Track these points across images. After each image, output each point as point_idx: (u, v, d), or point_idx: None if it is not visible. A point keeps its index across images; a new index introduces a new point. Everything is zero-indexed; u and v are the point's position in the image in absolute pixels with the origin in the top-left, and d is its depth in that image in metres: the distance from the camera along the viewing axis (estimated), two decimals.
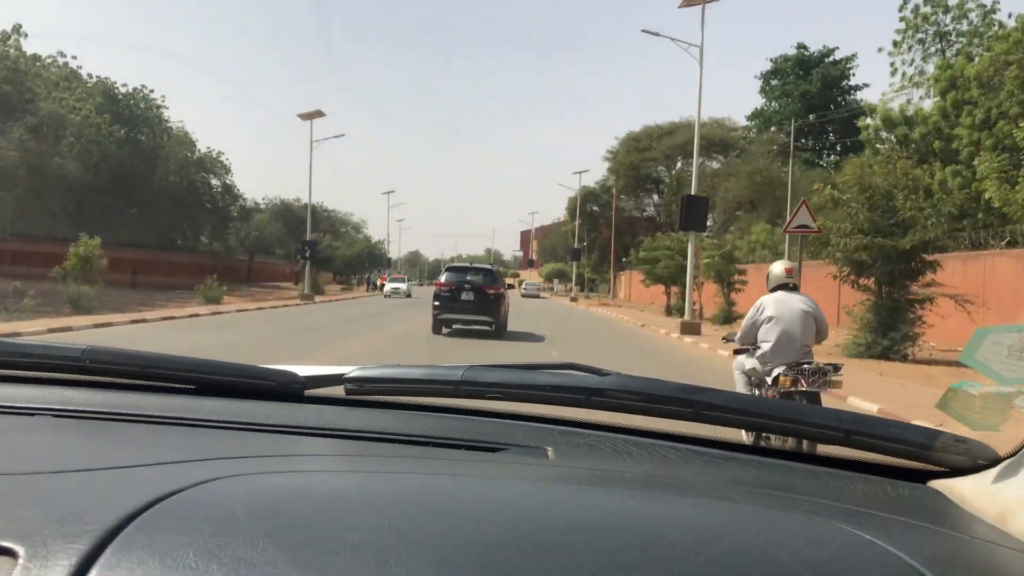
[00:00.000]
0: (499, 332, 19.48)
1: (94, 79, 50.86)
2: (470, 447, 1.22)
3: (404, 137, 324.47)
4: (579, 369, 1.36)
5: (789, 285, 6.50)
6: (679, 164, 69.50)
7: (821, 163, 57.56)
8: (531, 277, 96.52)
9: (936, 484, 1.17)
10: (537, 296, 65.45)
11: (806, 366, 5.89)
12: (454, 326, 19.51)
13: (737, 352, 6.82)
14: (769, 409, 1.29)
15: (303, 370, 1.43)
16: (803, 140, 57.26)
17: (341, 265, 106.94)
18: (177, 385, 1.43)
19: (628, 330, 28.16)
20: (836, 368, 5.94)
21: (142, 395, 1.38)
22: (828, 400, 6.75)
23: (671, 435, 1.31)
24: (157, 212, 53.09)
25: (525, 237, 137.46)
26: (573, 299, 56.14)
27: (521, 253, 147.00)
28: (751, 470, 1.19)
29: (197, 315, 24.78)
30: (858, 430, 1.17)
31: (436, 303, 19.10)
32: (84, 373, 1.40)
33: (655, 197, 72.67)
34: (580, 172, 64.16)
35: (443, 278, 19.67)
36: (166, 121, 56.39)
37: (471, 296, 18.99)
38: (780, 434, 1.30)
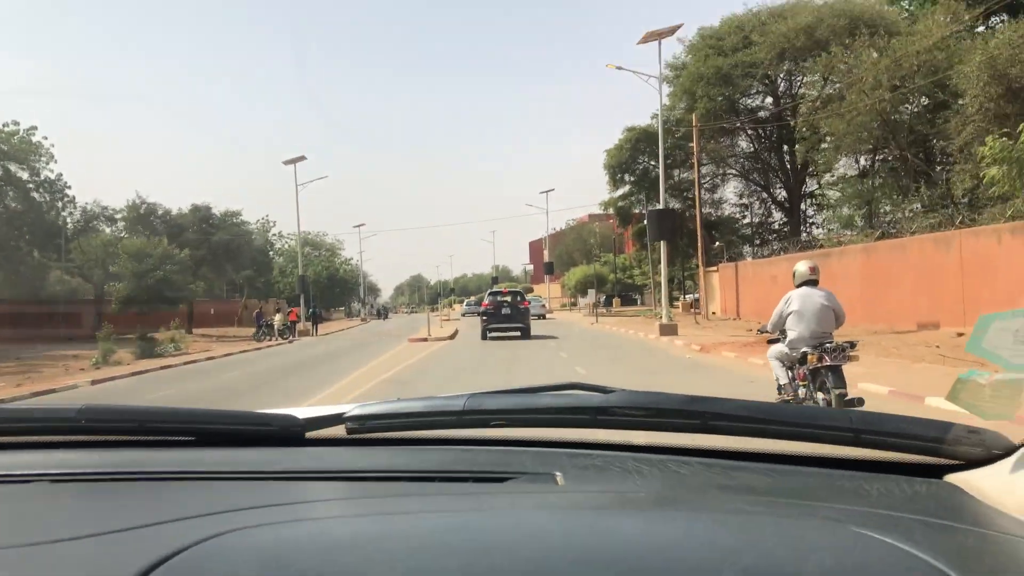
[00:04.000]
0: (526, 335, 26.24)
1: None
2: (477, 479, 1.18)
3: (383, 160, 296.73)
4: (582, 388, 1.33)
5: (812, 281, 7.63)
6: (796, 68, 40.69)
7: None
8: (551, 292, 68.47)
9: (952, 478, 1.14)
10: (542, 316, 47.39)
11: (828, 345, 7.15)
12: (492, 334, 26.38)
13: (770, 342, 8.08)
14: (777, 415, 1.24)
15: (303, 412, 1.38)
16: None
17: (293, 294, 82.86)
18: (176, 438, 1.39)
19: None
20: (852, 345, 7.20)
21: (141, 451, 1.35)
22: None
23: (681, 449, 1.28)
24: None
25: (535, 248, 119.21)
26: (666, 326, 25.67)
27: (531, 266, 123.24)
28: (764, 478, 1.17)
29: None
30: (868, 429, 1.15)
31: (484, 317, 26.99)
32: (81, 433, 1.34)
33: (742, 143, 43.57)
34: (663, 36, 27.67)
35: (487, 300, 27.78)
36: None
37: (508, 311, 26.31)
38: (789, 439, 1.22)
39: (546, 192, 68.53)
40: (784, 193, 42.49)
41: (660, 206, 25.46)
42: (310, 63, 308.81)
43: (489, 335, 26.60)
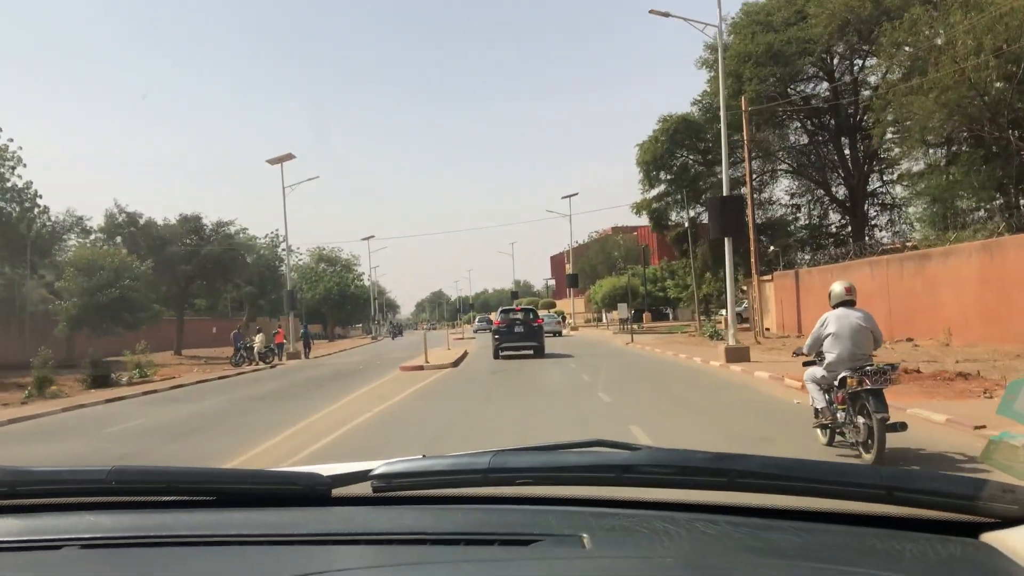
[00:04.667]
0: (540, 353, 24.97)
1: None
2: (503, 542, 1.17)
3: (400, 173, 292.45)
4: (606, 445, 1.33)
5: (849, 302, 7.47)
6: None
7: None
8: (575, 307, 63.72)
9: (988, 537, 1.11)
10: (557, 333, 45.64)
11: (868, 368, 7.02)
12: (504, 353, 25.19)
13: (806, 364, 7.90)
14: (806, 472, 1.20)
15: (329, 469, 1.39)
16: None
17: (304, 311, 79.50)
18: (201, 498, 1.39)
19: None
20: (894, 368, 7.24)
21: (168, 513, 1.35)
22: None
23: (708, 506, 1.26)
24: None
25: (556, 262, 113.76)
26: (734, 350, 19.35)
27: (553, 281, 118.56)
28: (794, 539, 1.14)
29: None
30: (900, 486, 1.14)
31: (496, 336, 25.76)
32: (110, 494, 1.36)
33: (792, 135, 38.05)
34: None
35: (499, 317, 26.60)
36: None
37: (521, 328, 25.46)
38: (818, 496, 1.19)
39: (569, 197, 62.02)
40: (844, 190, 36.88)
41: (724, 190, 19.77)
42: (323, 73, 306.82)
43: (501, 354, 25.11)
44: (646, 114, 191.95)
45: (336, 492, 1.35)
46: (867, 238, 34.80)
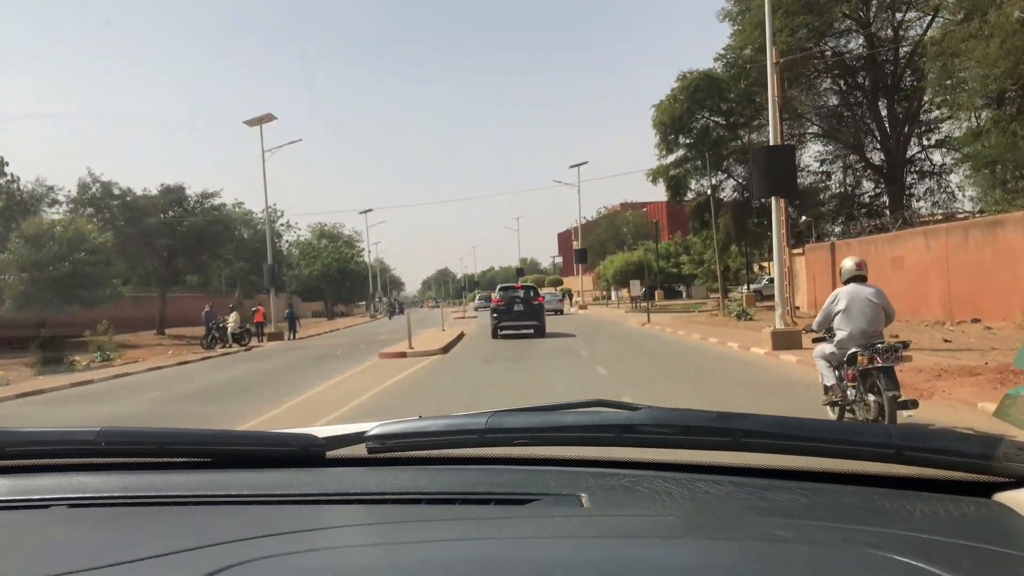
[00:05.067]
0: (540, 332, 24.12)
1: None
2: (499, 501, 1.15)
3: (402, 147, 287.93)
4: (606, 405, 1.31)
5: (860, 277, 7.26)
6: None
7: None
8: (583, 284, 60.68)
9: (1002, 497, 1.08)
10: (559, 311, 43.97)
11: (879, 345, 6.83)
12: (503, 332, 24.08)
13: (816, 340, 7.71)
14: (813, 431, 1.17)
15: (324, 431, 1.36)
16: None
17: (302, 289, 75.72)
18: (194, 460, 1.36)
19: None
20: (905, 345, 6.91)
21: (159, 474, 1.32)
22: None
23: (711, 467, 1.24)
24: None
25: (564, 239, 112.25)
26: (782, 334, 15.79)
27: (560, 258, 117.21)
28: (799, 499, 1.11)
29: None
30: (910, 445, 1.10)
31: (494, 315, 24.76)
32: (100, 456, 1.33)
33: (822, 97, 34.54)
34: None
35: (498, 295, 25.52)
36: None
37: (521, 307, 24.40)
38: (826, 456, 1.16)
39: (577, 166, 58.48)
40: (882, 156, 33.42)
41: (770, 139, 16.48)
42: (320, 46, 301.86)
43: (500, 333, 24.26)
44: (661, 77, 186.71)
45: (331, 454, 1.31)
46: (905, 208, 31.53)
